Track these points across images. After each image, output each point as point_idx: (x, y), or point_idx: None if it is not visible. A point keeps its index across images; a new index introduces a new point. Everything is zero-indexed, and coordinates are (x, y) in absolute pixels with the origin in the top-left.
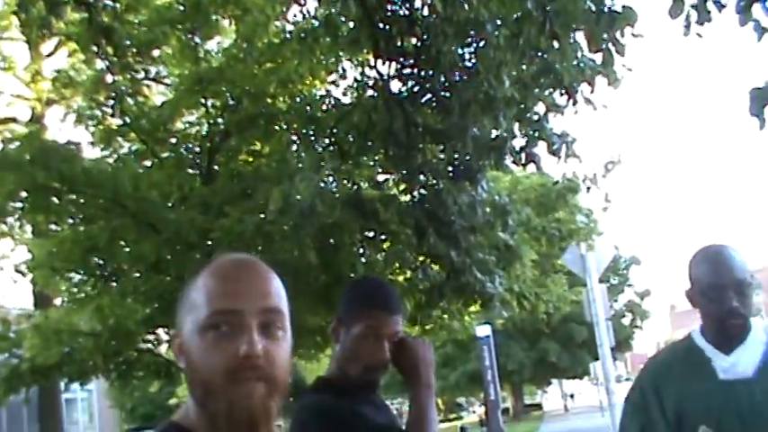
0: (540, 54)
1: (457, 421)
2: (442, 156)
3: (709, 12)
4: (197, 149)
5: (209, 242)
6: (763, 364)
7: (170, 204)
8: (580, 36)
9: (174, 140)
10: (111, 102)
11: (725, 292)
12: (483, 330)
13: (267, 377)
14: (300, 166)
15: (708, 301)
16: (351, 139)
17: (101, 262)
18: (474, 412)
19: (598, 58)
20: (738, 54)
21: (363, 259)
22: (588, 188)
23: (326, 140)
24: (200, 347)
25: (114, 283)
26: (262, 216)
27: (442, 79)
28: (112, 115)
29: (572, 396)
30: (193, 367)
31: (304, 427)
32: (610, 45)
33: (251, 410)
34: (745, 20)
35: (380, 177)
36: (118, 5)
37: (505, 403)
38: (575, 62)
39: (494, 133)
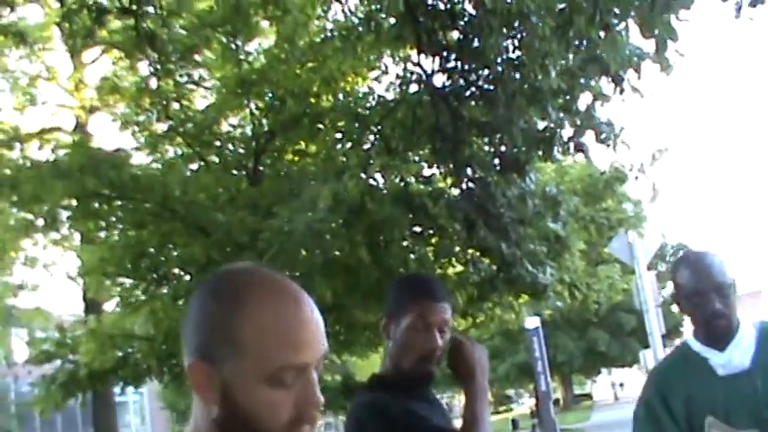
0: (586, 44)
1: (507, 413)
2: (488, 148)
3: None
4: (242, 151)
5: (259, 242)
6: (757, 355)
7: (218, 207)
8: (629, 23)
9: (219, 143)
10: (157, 107)
11: (707, 296)
12: (532, 322)
13: (314, 420)
14: (347, 163)
15: (692, 306)
16: (396, 135)
17: (152, 266)
18: (523, 404)
19: (647, 44)
20: None
21: (414, 255)
22: (636, 177)
23: (372, 137)
24: (263, 399)
25: (166, 287)
26: (310, 215)
27: (486, 72)
28: (158, 120)
29: (621, 385)
30: (248, 415)
31: (360, 427)
32: (662, 31)
33: None
34: None
35: (427, 172)
36: (162, 12)
37: (555, 394)
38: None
39: (541, 124)
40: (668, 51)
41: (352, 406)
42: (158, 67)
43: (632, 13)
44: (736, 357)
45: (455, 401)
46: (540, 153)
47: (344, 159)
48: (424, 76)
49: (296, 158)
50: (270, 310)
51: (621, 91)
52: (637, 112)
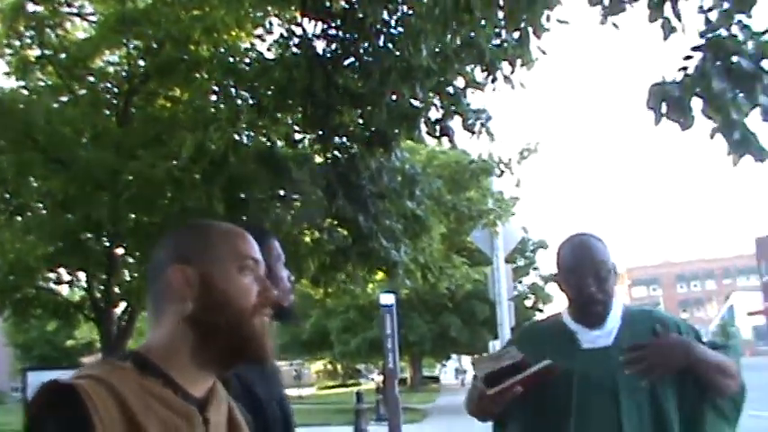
0: (462, 28)
1: (354, 387)
2: (359, 120)
3: (623, 2)
4: (115, 90)
5: (119, 184)
6: (619, 335)
7: (82, 143)
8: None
9: (92, 78)
10: (31, 32)
11: (584, 279)
12: (387, 299)
13: (271, 306)
14: (216, 115)
15: (570, 287)
16: (270, 95)
17: (7, 195)
18: (373, 380)
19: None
20: (651, 48)
21: (271, 216)
22: (502, 172)
23: (246, 94)
24: (237, 283)
25: (19, 218)
26: (174, 163)
27: (366, 44)
28: (30, 46)
29: (465, 372)
30: (226, 297)
31: None
32: (527, 24)
33: None
34: (655, 16)
35: (297, 137)
36: None
37: (404, 374)
38: (497, 41)
39: (411, 103)
40: (532, 47)
41: None
42: None
43: (500, 2)
44: (601, 336)
45: (304, 369)
46: (406, 130)
47: (214, 111)
48: (305, 39)
49: (167, 104)
50: (229, 226)
51: (494, 80)
52: (510, 107)
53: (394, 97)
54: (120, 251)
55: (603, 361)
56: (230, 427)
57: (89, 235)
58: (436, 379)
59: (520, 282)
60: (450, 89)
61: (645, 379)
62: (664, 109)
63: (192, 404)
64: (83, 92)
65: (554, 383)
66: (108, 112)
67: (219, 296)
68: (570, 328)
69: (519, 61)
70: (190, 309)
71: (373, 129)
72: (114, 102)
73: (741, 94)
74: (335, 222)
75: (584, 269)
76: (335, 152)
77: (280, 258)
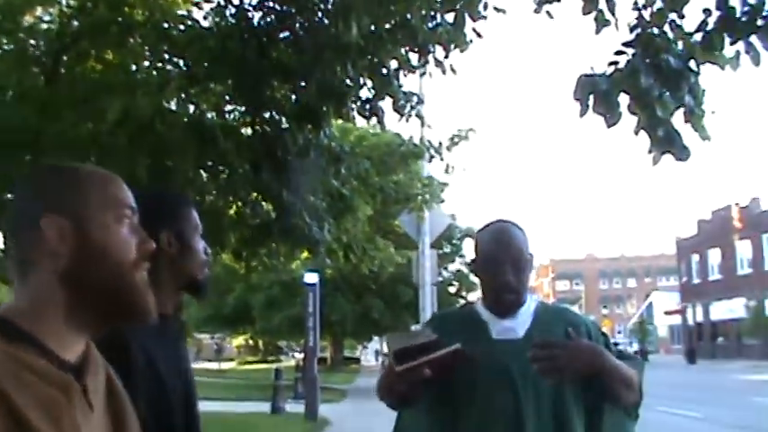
0: (397, 5)
1: (275, 364)
2: (289, 95)
3: None
4: (44, 48)
5: (41, 144)
6: (530, 330)
7: (5, 100)
8: None
9: (21, 34)
10: None
11: (501, 267)
12: (310, 278)
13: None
14: (146, 80)
15: (486, 273)
16: (202, 64)
17: None
18: (294, 357)
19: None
20: (583, 42)
21: (197, 186)
22: (432, 157)
23: (178, 61)
24: (116, 234)
25: None
26: (100, 126)
27: (302, 19)
28: None
29: (386, 354)
30: (105, 250)
31: None
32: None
33: None
34: (589, 8)
35: (227, 108)
36: None
37: (325, 353)
38: (432, 23)
39: (342, 80)
40: (466, 28)
41: None
42: None
43: None
44: (513, 328)
45: (226, 343)
46: (335, 108)
47: (145, 76)
48: (242, 9)
49: (98, 66)
50: (100, 170)
51: (426, 63)
52: (445, 94)
53: (326, 73)
54: None
55: (512, 353)
56: (109, 395)
57: (9, 196)
58: (357, 360)
59: (445, 268)
60: (384, 71)
61: (549, 379)
62: (591, 101)
63: (67, 372)
64: (10, 47)
65: (460, 371)
66: (36, 71)
67: (97, 249)
68: (482, 317)
69: (453, 45)
70: (63, 264)
71: (303, 104)
72: (43, 60)
73: (667, 93)
74: (260, 197)
75: (502, 256)
76: (264, 126)
77: (197, 228)
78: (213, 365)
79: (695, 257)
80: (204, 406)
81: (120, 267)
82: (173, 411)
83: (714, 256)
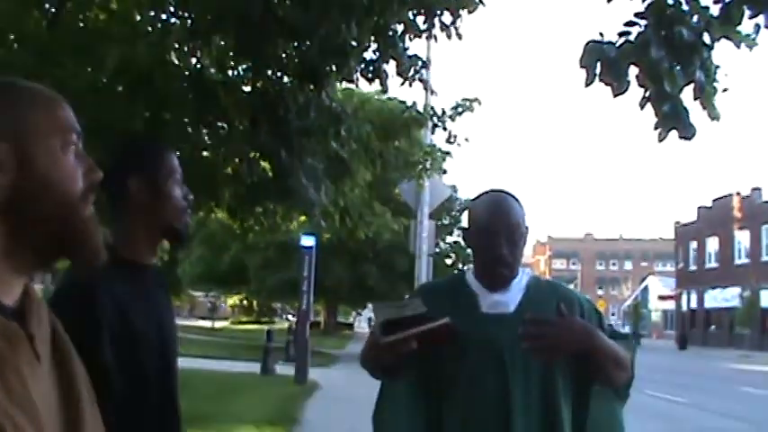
0: None
1: (268, 325)
2: (292, 53)
3: None
4: None
5: None
6: (521, 305)
7: (5, 43)
8: None
9: None
10: None
11: (496, 238)
12: (307, 241)
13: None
14: (147, 31)
15: (479, 244)
16: (203, 16)
17: None
18: (287, 320)
19: None
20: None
21: (192, 139)
22: (435, 126)
23: (180, 12)
24: (62, 164)
25: None
26: (97, 74)
27: None
28: None
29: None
30: (50, 181)
31: None
32: None
33: None
34: None
35: (228, 63)
36: None
37: (319, 318)
38: None
39: (346, 40)
40: None
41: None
42: None
43: None
44: (503, 301)
45: (221, 302)
46: (338, 67)
47: (147, 27)
48: None
49: (100, 15)
50: (42, 88)
51: (432, 26)
52: (448, 62)
53: (330, 32)
54: None
55: (501, 328)
56: (54, 342)
57: None
58: (350, 326)
59: (443, 239)
60: (389, 33)
61: (538, 357)
62: (598, 69)
63: (9, 318)
64: None
65: (447, 345)
66: (38, 15)
67: (41, 179)
68: (472, 289)
69: (461, 9)
70: (2, 195)
71: (305, 63)
72: (46, 6)
73: (678, 67)
74: (258, 155)
75: (497, 228)
76: (266, 83)
77: (172, 173)
78: (206, 323)
79: (693, 244)
80: (195, 363)
81: (66, 198)
82: (143, 362)
83: (712, 243)
